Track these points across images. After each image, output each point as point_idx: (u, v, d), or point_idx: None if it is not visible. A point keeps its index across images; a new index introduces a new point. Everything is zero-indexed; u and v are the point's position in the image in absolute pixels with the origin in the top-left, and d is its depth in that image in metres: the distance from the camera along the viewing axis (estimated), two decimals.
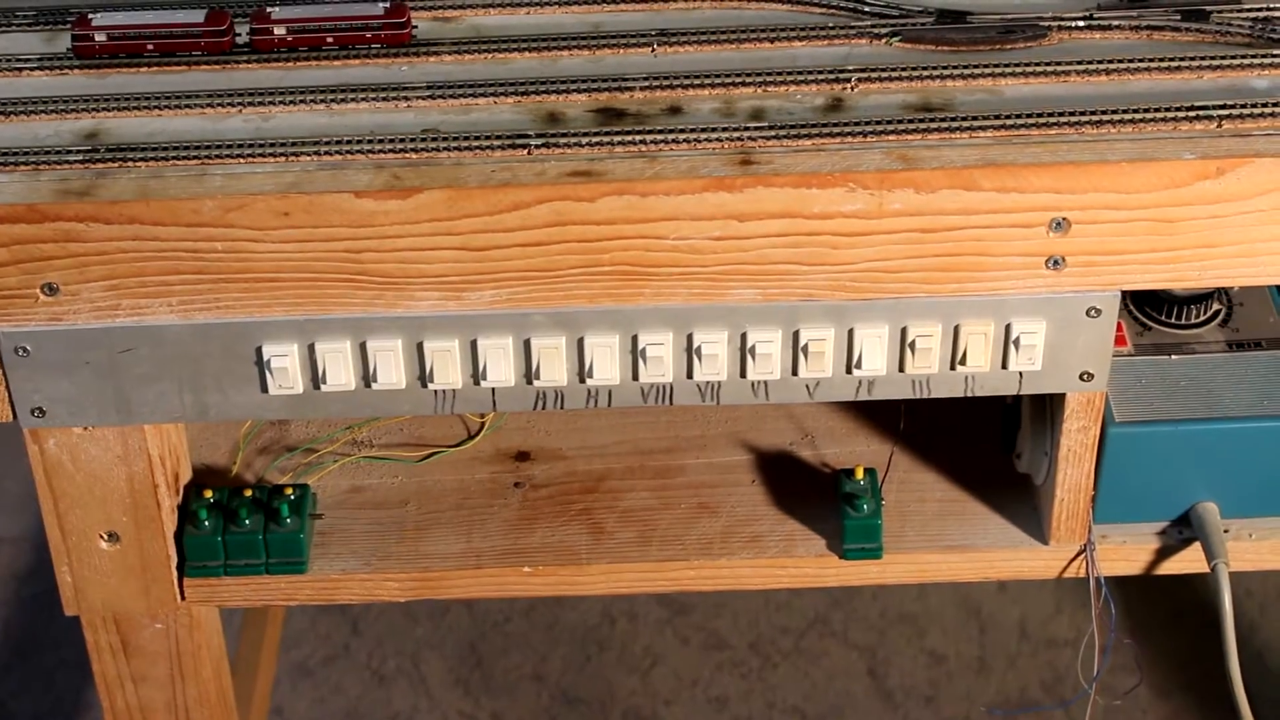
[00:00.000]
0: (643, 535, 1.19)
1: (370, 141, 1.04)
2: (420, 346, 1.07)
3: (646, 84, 1.08)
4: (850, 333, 1.07)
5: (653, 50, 1.11)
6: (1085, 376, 1.09)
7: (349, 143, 1.04)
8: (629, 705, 1.74)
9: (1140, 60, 1.08)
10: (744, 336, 1.07)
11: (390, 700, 1.76)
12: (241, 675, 1.50)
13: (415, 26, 1.12)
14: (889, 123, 1.04)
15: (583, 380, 1.08)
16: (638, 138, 1.04)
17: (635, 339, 1.07)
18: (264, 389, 1.08)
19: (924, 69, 1.08)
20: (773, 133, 1.04)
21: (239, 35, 1.12)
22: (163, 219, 1.01)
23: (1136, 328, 1.18)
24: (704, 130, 1.04)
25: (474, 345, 1.07)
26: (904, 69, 1.08)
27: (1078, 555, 1.17)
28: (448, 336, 1.07)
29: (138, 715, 1.21)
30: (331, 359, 1.07)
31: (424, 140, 1.04)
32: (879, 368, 1.08)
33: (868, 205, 1.02)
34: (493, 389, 1.09)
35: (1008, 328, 1.07)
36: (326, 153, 1.04)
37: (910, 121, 1.04)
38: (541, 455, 1.25)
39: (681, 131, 1.04)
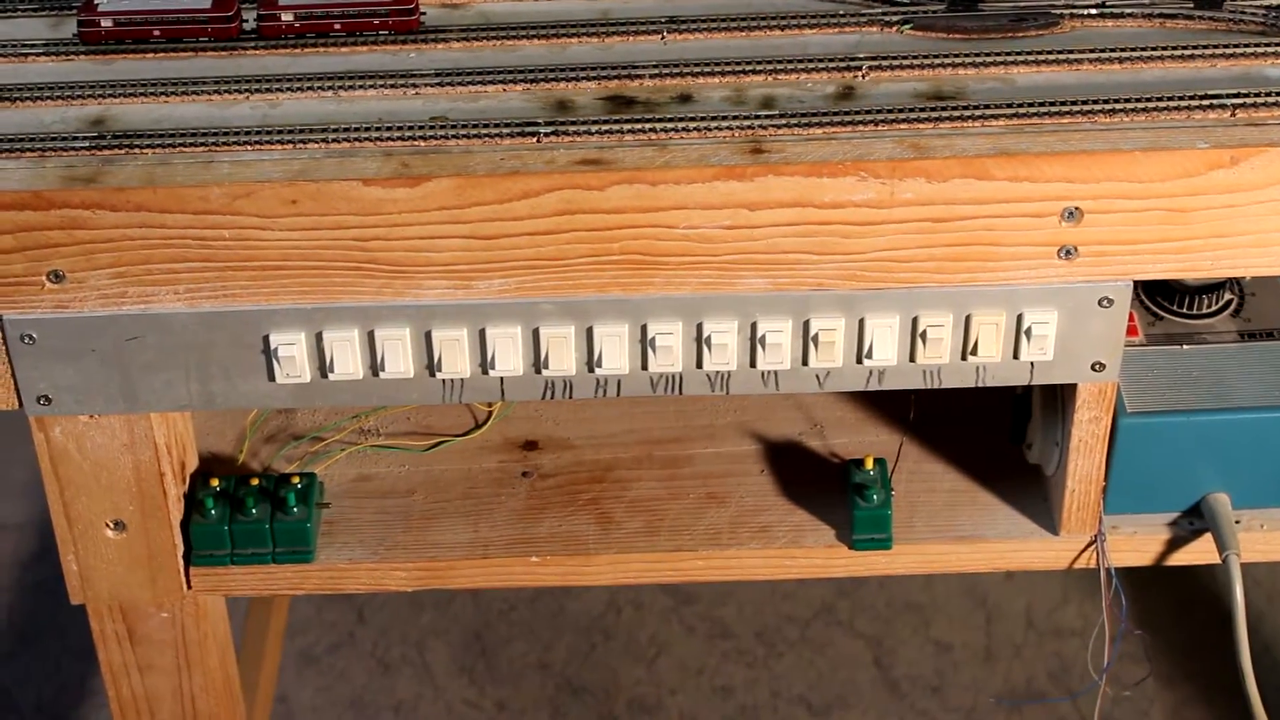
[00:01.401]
0: (651, 525, 1.19)
1: (378, 129, 1.03)
2: (428, 335, 1.06)
3: (656, 72, 1.07)
4: (861, 323, 1.06)
5: (662, 38, 1.10)
6: (1097, 367, 1.08)
7: (357, 130, 1.03)
8: (634, 694, 1.74)
9: (1153, 49, 1.08)
10: (754, 326, 1.07)
11: (395, 688, 1.76)
12: (247, 663, 1.49)
13: (423, 13, 1.12)
14: (900, 111, 1.03)
15: (591, 370, 1.08)
16: (647, 126, 1.03)
17: (644, 328, 1.07)
18: (271, 377, 1.08)
19: (936, 57, 1.07)
20: (783, 121, 1.03)
21: (246, 21, 1.11)
22: (169, 206, 1.01)
23: (1148, 318, 1.17)
24: (714, 118, 1.03)
25: (482, 334, 1.06)
26: (915, 57, 1.07)
27: (1088, 546, 1.17)
28: (456, 325, 1.06)
29: (143, 704, 1.21)
30: (339, 348, 1.06)
31: (432, 128, 1.03)
32: (890, 358, 1.07)
33: (879, 194, 1.01)
34: (501, 378, 1.08)
35: (1019, 318, 1.06)
36: (334, 140, 1.03)
37: (922, 110, 1.03)
38: (549, 445, 1.24)
39: (692, 120, 1.03)
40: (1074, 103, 1.04)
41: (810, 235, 1.03)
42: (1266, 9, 1.10)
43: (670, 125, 1.03)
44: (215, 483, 1.16)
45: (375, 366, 1.07)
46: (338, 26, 1.10)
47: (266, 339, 1.06)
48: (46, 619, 1.82)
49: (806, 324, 1.06)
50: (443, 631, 1.80)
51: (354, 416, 1.26)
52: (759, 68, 1.07)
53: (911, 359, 1.08)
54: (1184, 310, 1.17)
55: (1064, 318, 1.06)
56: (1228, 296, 1.18)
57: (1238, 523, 1.15)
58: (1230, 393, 1.13)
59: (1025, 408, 1.18)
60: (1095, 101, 1.04)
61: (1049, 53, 1.07)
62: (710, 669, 1.76)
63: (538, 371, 1.08)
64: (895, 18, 1.11)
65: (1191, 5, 1.11)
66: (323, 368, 1.07)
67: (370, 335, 1.06)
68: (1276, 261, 1.04)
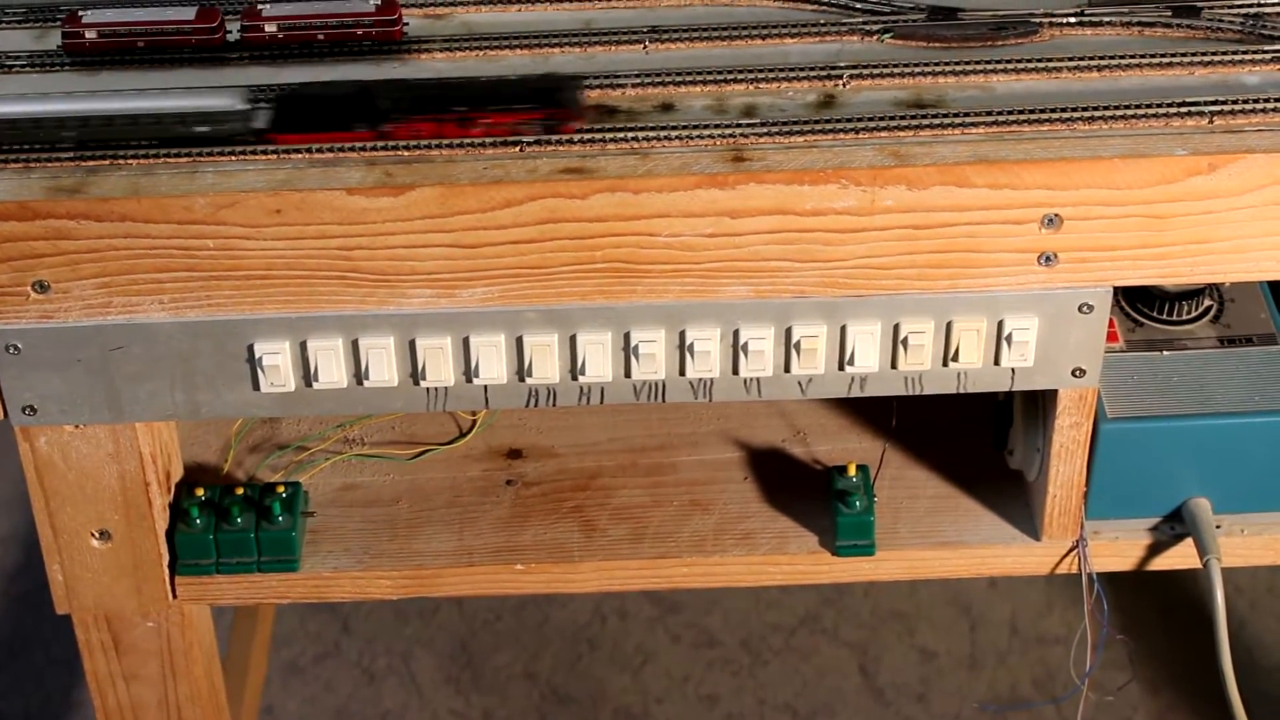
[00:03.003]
0: (635, 532, 1.19)
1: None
2: (412, 344, 1.07)
3: (638, 81, 1.08)
4: (843, 329, 1.07)
5: (644, 47, 1.11)
6: (1077, 372, 1.09)
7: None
8: (620, 703, 1.74)
9: (1132, 56, 1.08)
10: (736, 333, 1.07)
11: (381, 699, 1.76)
12: (232, 673, 1.50)
13: (406, 24, 1.12)
14: (881, 119, 1.04)
15: (575, 377, 1.08)
16: (630, 135, 1.04)
17: (627, 336, 1.07)
18: (256, 387, 1.08)
19: (916, 65, 1.08)
20: (765, 129, 1.04)
21: (230, 32, 1.11)
22: (154, 216, 1.01)
23: (1128, 324, 1.18)
24: (696, 127, 1.04)
25: (466, 342, 1.07)
26: (896, 65, 1.08)
27: (1070, 551, 1.17)
28: (440, 334, 1.07)
29: (129, 714, 1.21)
30: (323, 356, 1.07)
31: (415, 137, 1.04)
32: (871, 364, 1.08)
33: (860, 202, 1.02)
34: (485, 386, 1.09)
35: (1000, 324, 1.07)
36: (318, 150, 1.03)
37: (902, 118, 1.04)
38: (533, 453, 1.25)
39: (673, 128, 1.04)
40: (1053, 110, 1.04)
41: (792, 243, 1.03)
42: (1243, 17, 1.11)
43: (652, 134, 1.03)
44: (200, 492, 1.16)
45: (359, 375, 1.08)
46: (321, 37, 1.11)
47: (251, 348, 1.06)
48: (31, 631, 1.82)
49: (788, 331, 1.07)
50: (428, 641, 1.80)
51: (339, 425, 1.26)
52: (740, 77, 1.08)
53: (893, 365, 1.09)
54: (1164, 316, 1.18)
55: (1044, 324, 1.07)
56: (1207, 303, 1.18)
57: (1218, 528, 1.15)
58: (1210, 398, 1.13)
59: (1006, 414, 1.19)
60: (1074, 109, 1.04)
61: (1028, 61, 1.08)
62: (696, 677, 1.77)
63: (521, 380, 1.08)
64: (876, 27, 1.11)
65: (1169, 13, 1.11)
66: (307, 377, 1.08)
67: (354, 344, 1.07)
68: (1255, 267, 1.05)
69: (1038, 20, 1.11)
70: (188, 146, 1.02)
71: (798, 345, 1.07)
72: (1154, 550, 1.18)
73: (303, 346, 1.07)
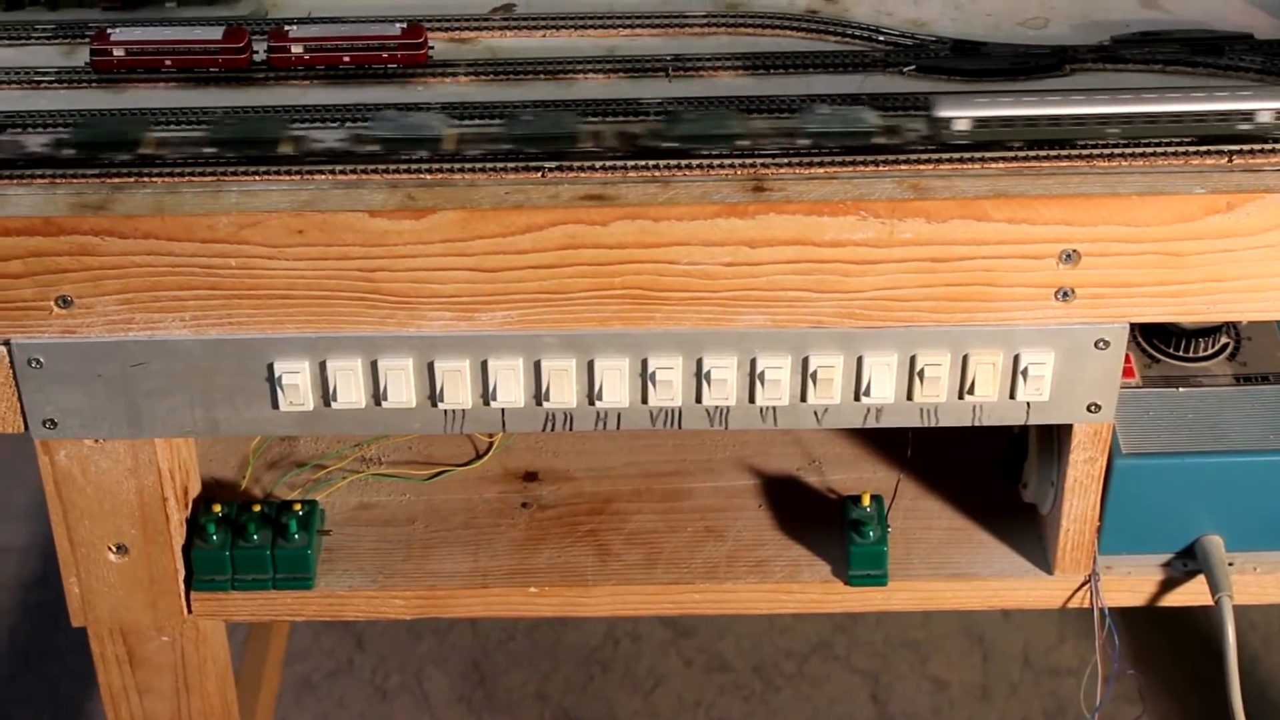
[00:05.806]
0: (649, 558, 1.20)
1: (385, 161, 1.04)
2: (431, 366, 1.07)
3: (661, 109, 1.08)
4: (859, 360, 1.07)
5: (668, 76, 1.11)
6: (1093, 408, 1.09)
7: (364, 161, 1.04)
8: None
9: (1152, 93, 1.08)
10: (753, 362, 1.07)
11: (393, 716, 1.76)
12: (245, 689, 1.50)
13: (431, 48, 1.13)
14: (901, 152, 1.04)
15: (592, 403, 1.09)
16: (651, 162, 1.04)
17: (645, 362, 1.07)
18: (275, 405, 1.08)
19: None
20: (785, 160, 1.04)
21: (256, 53, 1.12)
22: (177, 234, 1.02)
23: (1144, 360, 1.18)
24: (717, 156, 1.04)
25: (484, 366, 1.07)
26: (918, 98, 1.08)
27: (1082, 586, 1.17)
28: (459, 357, 1.07)
29: None
30: (343, 377, 1.07)
31: (438, 161, 1.04)
32: (887, 395, 1.08)
33: (879, 234, 1.02)
34: (502, 409, 1.09)
35: (1016, 358, 1.07)
36: (341, 171, 1.04)
37: (922, 151, 1.04)
38: (549, 476, 1.25)
39: (694, 157, 1.04)
40: (1073, 146, 1.04)
41: (810, 273, 1.04)
42: (1264, 57, 1.11)
43: (673, 162, 1.04)
44: (217, 508, 1.17)
45: (378, 396, 1.08)
46: (347, 59, 1.11)
47: (271, 367, 1.07)
48: (47, 641, 1.82)
49: (805, 361, 1.07)
50: (441, 660, 1.81)
51: (356, 445, 1.27)
52: (763, 106, 1.08)
53: (909, 397, 1.09)
54: (1180, 353, 1.18)
55: (1060, 359, 1.07)
56: (1224, 340, 1.19)
57: (1231, 565, 1.15)
58: (1225, 436, 1.13)
59: (1021, 447, 1.19)
60: (1094, 145, 1.04)
61: (1050, 96, 1.08)
62: (707, 702, 1.77)
63: (539, 404, 1.09)
64: (899, 59, 1.12)
65: (1191, 52, 1.12)
66: (326, 396, 1.08)
67: (373, 365, 1.07)
68: (1272, 306, 1.05)
69: (1060, 57, 1.11)
70: None
71: (814, 375, 1.07)
72: (1166, 586, 1.18)
73: (322, 366, 1.07)
